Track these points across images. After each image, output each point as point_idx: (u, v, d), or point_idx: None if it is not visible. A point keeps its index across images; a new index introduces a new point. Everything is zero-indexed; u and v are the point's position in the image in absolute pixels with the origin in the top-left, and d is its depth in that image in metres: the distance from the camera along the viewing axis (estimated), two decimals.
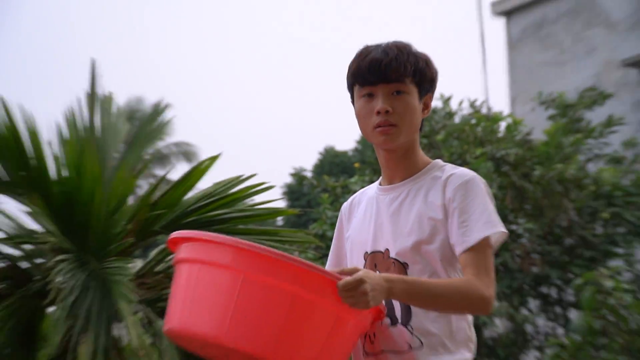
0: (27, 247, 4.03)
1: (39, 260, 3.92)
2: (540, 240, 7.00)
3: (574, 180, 6.86)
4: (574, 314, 6.19)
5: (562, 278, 6.77)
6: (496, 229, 1.70)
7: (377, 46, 1.78)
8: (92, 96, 4.03)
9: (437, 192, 1.76)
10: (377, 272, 1.68)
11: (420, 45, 1.86)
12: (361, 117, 1.80)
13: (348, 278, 1.47)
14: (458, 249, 1.69)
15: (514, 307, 6.83)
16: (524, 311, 7.00)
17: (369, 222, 1.87)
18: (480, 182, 1.77)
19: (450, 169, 1.80)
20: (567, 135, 7.30)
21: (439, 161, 1.85)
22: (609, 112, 7.58)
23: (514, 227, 6.92)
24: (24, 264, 4.01)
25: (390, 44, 1.78)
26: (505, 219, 6.21)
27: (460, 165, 4.79)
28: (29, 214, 3.99)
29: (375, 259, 1.81)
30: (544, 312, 7.07)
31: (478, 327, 6.87)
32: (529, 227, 6.89)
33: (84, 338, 3.36)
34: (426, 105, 1.83)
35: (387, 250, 1.79)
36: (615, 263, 6.50)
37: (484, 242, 1.67)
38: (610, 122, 7.40)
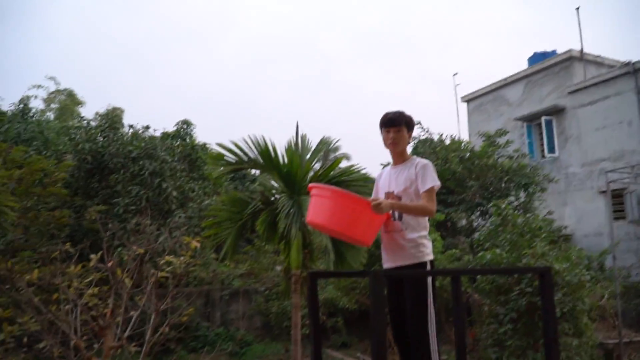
0: (272, 191, 4.70)
1: (276, 197, 4.58)
2: (479, 189, 8.37)
3: (492, 165, 8.41)
4: (492, 217, 6.18)
5: (486, 204, 8.19)
6: (436, 183, 1.96)
7: (392, 111, 2.04)
8: (297, 136, 4.55)
9: (412, 168, 2.02)
10: (388, 199, 1.91)
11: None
12: (384, 140, 2.07)
13: (376, 201, 1.76)
14: (420, 191, 1.96)
15: (468, 215, 8.34)
16: (473, 217, 8.50)
17: (387, 180, 2.12)
18: (430, 164, 1.99)
19: (419, 159, 2.04)
20: (490, 148, 8.70)
21: (415, 156, 2.08)
22: (508, 138, 9.04)
23: (468, 183, 8.25)
24: (271, 198, 4.58)
25: (396, 111, 2.04)
26: (463, 181, 8.09)
27: (444, 161, 7.48)
28: (272, 179, 4.55)
29: (388, 195, 2.04)
30: (481, 217, 8.55)
31: (454, 222, 8.04)
32: (473, 184, 8.30)
33: (292, 225, 4.06)
34: (410, 135, 2.07)
35: (393, 191, 2.04)
36: (510, 198, 7.94)
37: (431, 188, 1.95)
38: (507, 142, 8.89)
